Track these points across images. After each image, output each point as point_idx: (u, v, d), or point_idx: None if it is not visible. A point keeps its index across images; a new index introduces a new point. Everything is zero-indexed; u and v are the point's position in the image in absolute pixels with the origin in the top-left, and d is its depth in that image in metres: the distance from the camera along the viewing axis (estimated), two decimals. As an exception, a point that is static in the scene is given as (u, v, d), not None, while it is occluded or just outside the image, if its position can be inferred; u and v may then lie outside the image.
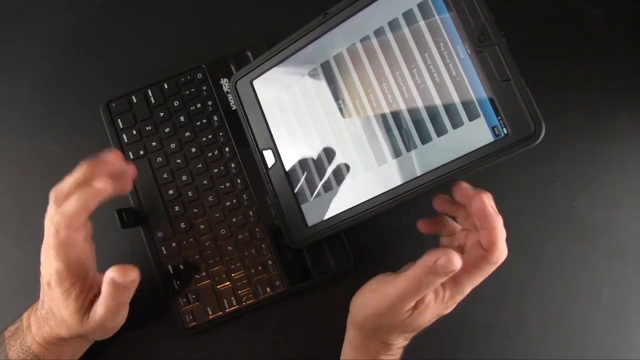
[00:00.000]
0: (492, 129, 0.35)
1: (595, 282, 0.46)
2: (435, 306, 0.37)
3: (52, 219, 0.38)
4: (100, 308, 0.38)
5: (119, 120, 0.50)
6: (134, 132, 0.50)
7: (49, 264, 0.38)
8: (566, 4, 0.50)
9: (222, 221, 0.49)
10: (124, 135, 0.50)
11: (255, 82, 0.46)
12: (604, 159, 0.47)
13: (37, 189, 0.50)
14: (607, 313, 0.45)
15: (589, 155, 0.48)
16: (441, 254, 0.32)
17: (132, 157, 0.50)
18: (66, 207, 0.37)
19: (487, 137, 0.35)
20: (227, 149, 0.50)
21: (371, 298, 0.39)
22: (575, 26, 0.50)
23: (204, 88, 0.51)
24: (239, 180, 0.49)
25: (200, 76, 0.51)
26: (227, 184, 0.49)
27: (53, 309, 0.40)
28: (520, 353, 0.45)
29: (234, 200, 0.49)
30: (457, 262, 0.32)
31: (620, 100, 0.48)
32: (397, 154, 0.40)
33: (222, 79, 0.51)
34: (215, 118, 0.50)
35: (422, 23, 0.37)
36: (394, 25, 0.38)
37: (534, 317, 0.46)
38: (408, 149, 0.39)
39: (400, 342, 0.41)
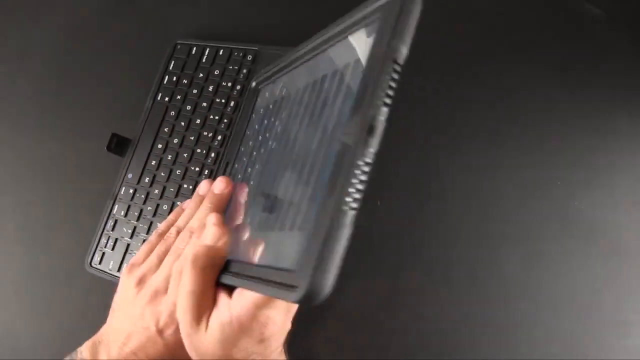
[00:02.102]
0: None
1: (595, 282, 0.44)
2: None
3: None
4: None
5: (172, 62, 0.51)
6: (174, 78, 0.50)
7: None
8: (566, 4, 0.50)
9: (176, 197, 0.46)
10: (167, 77, 0.51)
11: (261, 88, 0.41)
12: (604, 159, 0.46)
13: (37, 189, 0.54)
14: (607, 313, 0.44)
15: (589, 155, 0.47)
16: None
17: (159, 98, 0.50)
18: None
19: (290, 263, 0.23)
20: (219, 138, 0.46)
21: None
22: (575, 26, 0.49)
23: (244, 71, 0.47)
24: (212, 172, 0.45)
25: (250, 58, 0.48)
26: (199, 168, 0.46)
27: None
28: (519, 353, 0.44)
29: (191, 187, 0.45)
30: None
31: (621, 100, 0.48)
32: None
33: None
34: (232, 104, 0.47)
35: (335, 88, 0.27)
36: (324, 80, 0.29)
37: (533, 317, 0.44)
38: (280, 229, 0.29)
39: None
